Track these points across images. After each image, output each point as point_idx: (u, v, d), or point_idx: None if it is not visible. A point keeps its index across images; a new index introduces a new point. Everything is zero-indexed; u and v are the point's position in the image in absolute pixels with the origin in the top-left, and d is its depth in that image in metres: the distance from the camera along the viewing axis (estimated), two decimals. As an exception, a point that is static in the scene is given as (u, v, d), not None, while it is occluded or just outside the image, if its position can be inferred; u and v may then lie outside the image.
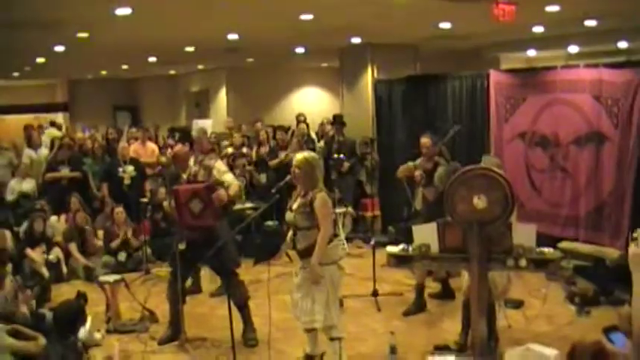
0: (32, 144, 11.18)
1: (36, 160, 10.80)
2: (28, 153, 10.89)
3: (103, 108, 19.61)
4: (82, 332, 5.40)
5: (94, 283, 7.23)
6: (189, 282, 6.84)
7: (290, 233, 5.10)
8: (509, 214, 4.33)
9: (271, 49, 12.12)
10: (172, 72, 18.37)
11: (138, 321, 6.42)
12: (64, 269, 8.28)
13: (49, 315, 5.62)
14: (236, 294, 5.75)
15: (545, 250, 4.44)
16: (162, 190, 8.65)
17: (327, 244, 4.81)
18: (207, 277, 7.39)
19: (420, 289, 6.65)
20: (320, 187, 4.93)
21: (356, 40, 10.94)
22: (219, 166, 6.13)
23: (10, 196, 9.79)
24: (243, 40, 10.37)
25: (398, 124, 10.32)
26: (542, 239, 4.50)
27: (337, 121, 10.41)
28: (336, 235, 4.99)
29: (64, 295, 6.85)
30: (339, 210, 8.59)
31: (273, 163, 10.09)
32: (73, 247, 8.46)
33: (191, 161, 6.15)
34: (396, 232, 9.18)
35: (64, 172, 9.70)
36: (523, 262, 4.34)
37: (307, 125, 11.84)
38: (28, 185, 9.94)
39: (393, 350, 5.10)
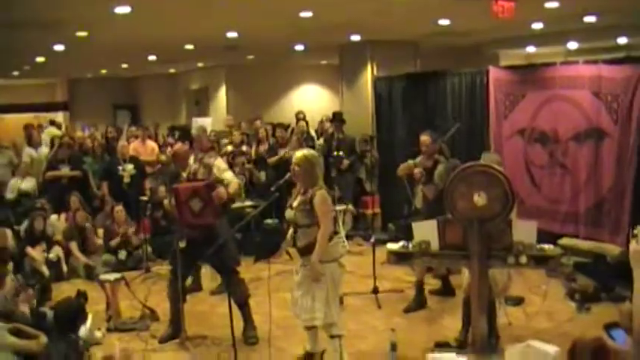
0: (32, 143, 11.18)
1: (36, 159, 10.81)
2: (28, 152, 10.89)
3: (102, 107, 19.60)
4: (83, 331, 5.40)
5: (94, 282, 7.24)
6: (189, 280, 6.84)
7: (290, 231, 5.10)
8: (509, 210, 4.33)
9: (271, 46, 12.11)
10: (172, 70, 18.36)
11: (138, 319, 6.42)
12: (65, 268, 8.29)
13: (49, 313, 5.63)
14: (236, 292, 5.76)
15: (546, 246, 4.45)
16: (162, 189, 8.64)
17: (327, 241, 4.81)
18: (208, 275, 7.39)
19: (419, 286, 6.66)
20: (320, 185, 4.94)
21: (355, 38, 10.94)
22: (219, 164, 6.14)
23: (10, 195, 9.80)
24: (242, 37, 10.37)
25: (398, 121, 10.32)
26: (542, 236, 4.50)
27: (337, 118, 10.40)
28: (336, 233, 5.00)
29: (64, 293, 6.84)
30: (339, 207, 8.59)
31: (272, 160, 10.09)
32: (73, 245, 8.47)
33: (191, 159, 6.16)
34: (396, 230, 9.18)
35: (64, 170, 9.70)
36: (523, 259, 4.35)
37: (307, 123, 11.83)
38: (29, 184, 9.95)
39: (393, 347, 5.11)
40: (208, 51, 12.47)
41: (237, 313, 5.62)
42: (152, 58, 13.58)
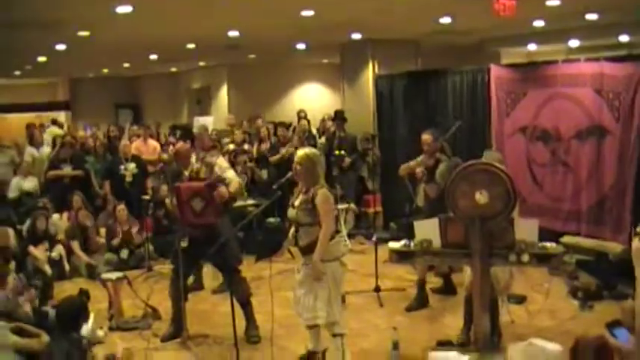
0: (34, 142, 11.20)
1: (38, 158, 10.82)
2: (30, 151, 10.90)
3: (104, 106, 19.63)
4: (85, 329, 5.41)
5: (96, 281, 7.25)
6: (191, 279, 6.85)
7: (292, 230, 5.10)
8: (511, 209, 4.33)
9: (272, 45, 12.12)
10: (173, 69, 18.37)
11: (140, 318, 6.43)
12: (67, 267, 8.29)
13: (51, 312, 5.63)
14: (238, 291, 5.75)
15: (548, 244, 4.45)
16: (164, 188, 8.64)
17: (329, 240, 4.81)
18: (210, 274, 7.40)
19: (421, 284, 6.66)
20: (321, 184, 4.93)
21: (357, 36, 10.94)
22: (221, 162, 6.14)
23: (12, 194, 9.81)
24: (244, 36, 10.37)
25: (399, 119, 10.31)
26: (544, 234, 4.50)
27: (338, 116, 10.41)
28: (338, 232, 4.99)
29: (66, 292, 6.84)
30: (340, 206, 8.59)
31: (274, 159, 10.09)
32: (75, 244, 8.47)
33: (193, 158, 6.16)
34: (398, 228, 9.17)
35: (66, 170, 9.71)
36: (525, 257, 4.35)
37: (308, 121, 11.84)
38: (31, 183, 9.96)
39: (395, 346, 5.11)
40: (210, 50, 12.48)
41: (239, 312, 5.62)
42: (154, 57, 13.60)
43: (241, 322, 5.75)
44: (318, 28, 9.60)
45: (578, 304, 6.45)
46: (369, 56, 11.23)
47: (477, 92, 8.92)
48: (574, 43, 11.95)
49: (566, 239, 7.27)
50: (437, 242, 4.52)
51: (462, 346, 5.34)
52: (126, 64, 15.76)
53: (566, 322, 6.03)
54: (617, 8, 8.75)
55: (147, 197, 9.21)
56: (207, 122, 13.28)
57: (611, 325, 2.83)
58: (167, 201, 6.85)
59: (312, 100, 16.30)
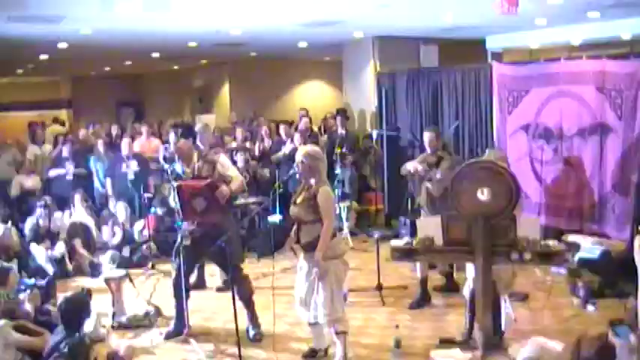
0: (36, 140, 11.21)
1: (40, 156, 10.83)
2: (32, 149, 10.92)
3: (106, 104, 19.61)
4: (88, 327, 5.41)
5: (99, 279, 7.25)
6: (193, 277, 6.85)
7: (294, 227, 5.10)
8: (514, 206, 4.33)
9: (274, 43, 12.10)
10: (175, 67, 18.36)
11: (143, 316, 6.43)
12: (69, 265, 8.30)
13: (54, 310, 5.64)
14: (241, 289, 5.75)
15: (550, 242, 4.45)
16: (166, 185, 8.65)
17: (330, 237, 4.81)
18: (212, 272, 7.40)
19: (423, 282, 6.65)
20: (324, 181, 4.94)
21: (359, 34, 10.92)
22: (223, 160, 6.13)
23: (14, 193, 9.82)
24: (245, 34, 10.36)
25: (401, 117, 10.30)
26: (547, 232, 4.50)
27: (341, 114, 10.39)
28: (340, 229, 4.99)
29: (68, 290, 6.86)
30: (342, 204, 8.59)
31: (275, 157, 10.09)
32: (77, 242, 8.47)
33: (195, 156, 6.16)
34: (400, 226, 9.17)
35: (69, 168, 9.72)
36: (528, 255, 4.35)
37: (310, 119, 11.83)
38: (33, 182, 9.96)
39: (397, 344, 5.10)
40: (212, 48, 12.46)
41: (241, 309, 5.63)
42: (156, 55, 13.59)
43: (243, 320, 5.75)
44: (320, 26, 9.59)
45: (581, 302, 6.45)
46: (371, 54, 11.22)
47: (480, 90, 8.91)
48: (576, 40, 11.91)
49: (568, 237, 7.26)
50: (439, 240, 4.52)
51: (464, 343, 5.35)
52: (128, 63, 15.76)
53: (569, 320, 6.03)
54: (619, 6, 8.72)
55: (149, 195, 9.22)
56: (209, 120, 13.27)
57: (614, 323, 2.84)
58: (169, 199, 6.85)
59: (314, 98, 16.29)
